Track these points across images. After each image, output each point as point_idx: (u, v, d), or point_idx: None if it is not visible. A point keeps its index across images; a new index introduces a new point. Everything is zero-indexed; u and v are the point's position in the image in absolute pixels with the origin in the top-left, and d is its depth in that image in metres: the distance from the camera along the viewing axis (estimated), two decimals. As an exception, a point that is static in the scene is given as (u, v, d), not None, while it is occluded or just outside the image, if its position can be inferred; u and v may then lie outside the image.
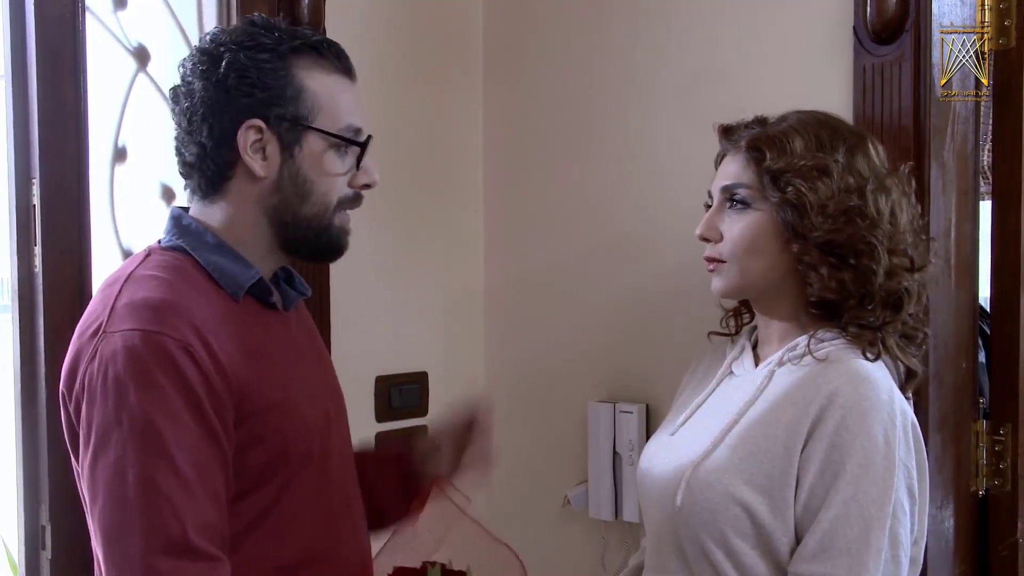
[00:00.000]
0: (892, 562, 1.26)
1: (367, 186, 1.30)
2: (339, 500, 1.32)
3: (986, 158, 1.71)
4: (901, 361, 1.34)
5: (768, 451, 1.28)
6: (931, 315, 1.55)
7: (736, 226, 1.36)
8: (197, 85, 1.22)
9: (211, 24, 1.78)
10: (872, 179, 1.33)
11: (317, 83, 1.24)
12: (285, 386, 1.23)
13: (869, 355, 1.32)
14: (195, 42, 1.78)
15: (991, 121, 1.66)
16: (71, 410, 1.16)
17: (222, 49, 1.22)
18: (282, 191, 1.24)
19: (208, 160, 1.24)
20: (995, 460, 1.65)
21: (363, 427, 1.94)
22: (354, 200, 1.30)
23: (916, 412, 1.46)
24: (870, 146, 1.37)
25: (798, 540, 1.27)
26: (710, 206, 1.42)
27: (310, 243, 1.28)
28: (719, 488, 1.29)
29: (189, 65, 1.24)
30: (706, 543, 1.30)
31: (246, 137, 1.21)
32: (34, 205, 1.53)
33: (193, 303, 1.17)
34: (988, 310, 1.72)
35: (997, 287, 1.66)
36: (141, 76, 1.73)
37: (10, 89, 1.53)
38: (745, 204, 1.36)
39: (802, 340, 1.36)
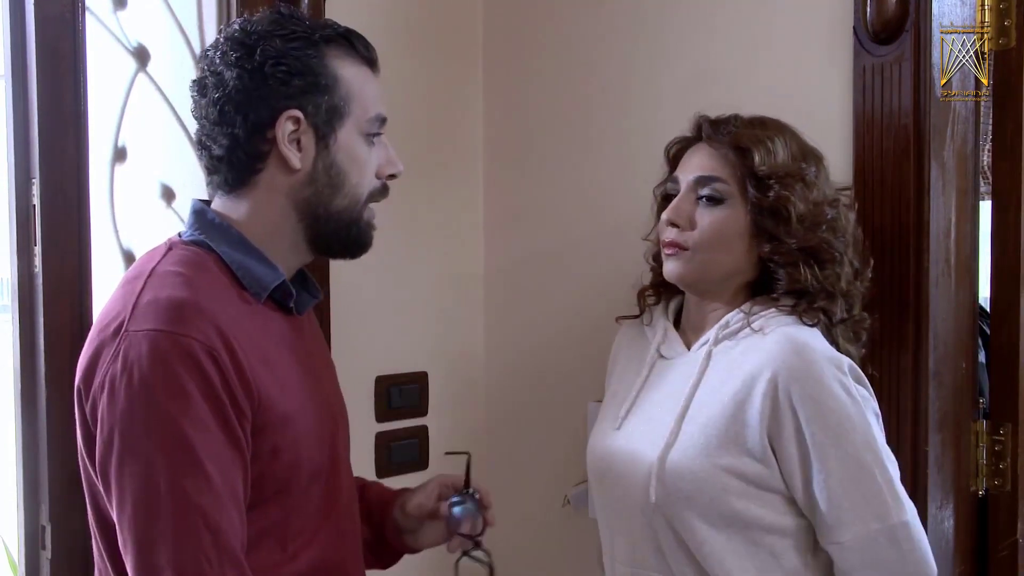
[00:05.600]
0: (891, 466, 1.33)
1: (392, 176, 1.30)
2: (345, 511, 1.31)
3: (986, 158, 1.71)
4: (847, 353, 1.38)
5: (728, 430, 1.32)
6: (931, 315, 1.56)
7: (707, 218, 1.39)
8: (230, 74, 1.19)
9: (211, 24, 1.78)
10: (839, 195, 1.42)
11: (349, 73, 1.24)
12: (300, 396, 1.22)
13: (807, 320, 1.36)
14: (195, 42, 1.79)
15: (991, 121, 1.65)
16: (87, 408, 1.15)
17: (255, 37, 1.20)
18: (315, 183, 1.23)
19: (239, 152, 1.21)
20: (995, 460, 1.65)
21: (363, 427, 1.95)
22: (382, 191, 1.29)
23: (915, 412, 1.55)
24: (825, 165, 1.44)
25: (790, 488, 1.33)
26: (670, 196, 1.44)
27: (340, 237, 1.27)
28: (695, 469, 1.32)
29: (217, 55, 1.21)
30: (681, 530, 1.33)
31: (283, 128, 1.20)
32: (34, 205, 1.52)
33: (217, 303, 1.15)
34: (988, 310, 1.72)
35: (997, 287, 1.66)
36: (141, 76, 1.73)
37: (10, 89, 1.53)
38: (718, 199, 1.38)
39: (732, 316, 1.40)
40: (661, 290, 1.54)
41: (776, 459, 1.32)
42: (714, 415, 1.33)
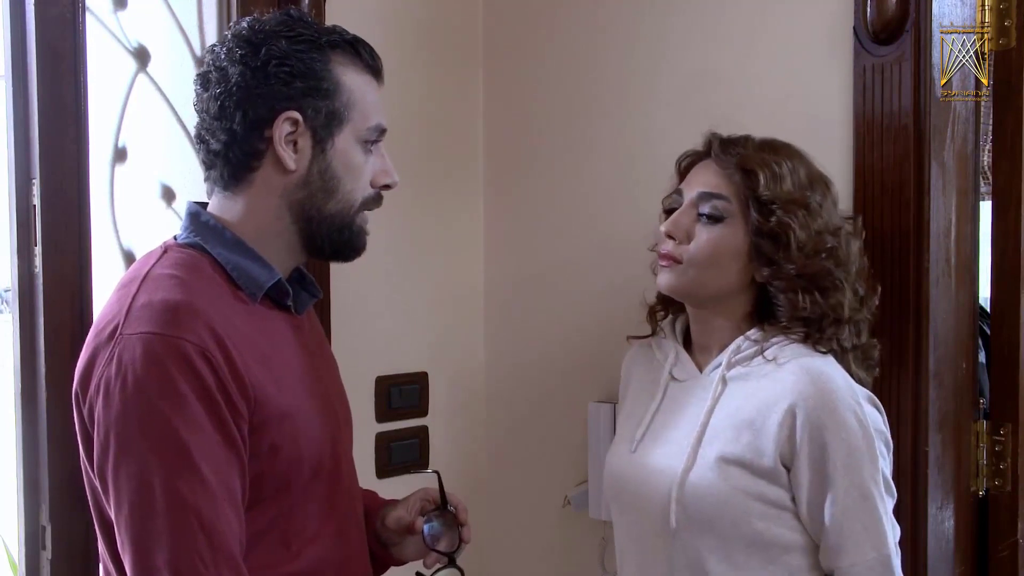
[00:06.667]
0: (889, 498, 1.35)
1: (387, 186, 1.30)
2: (348, 508, 1.32)
3: (986, 158, 1.71)
4: (854, 377, 1.38)
5: (744, 455, 1.33)
6: (931, 315, 1.56)
7: (704, 235, 1.39)
8: (233, 70, 1.20)
9: (211, 24, 1.79)
10: (843, 224, 1.41)
11: (352, 80, 1.25)
12: (298, 393, 1.23)
13: (820, 348, 1.37)
14: (195, 42, 1.79)
15: (991, 121, 1.65)
16: (85, 412, 1.15)
17: (262, 36, 1.21)
18: (309, 186, 1.24)
19: (236, 148, 1.22)
20: (995, 460, 1.65)
21: (363, 427, 1.95)
22: (376, 200, 1.30)
23: (915, 412, 1.54)
24: (832, 191, 1.43)
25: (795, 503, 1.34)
26: (673, 210, 1.43)
27: (332, 240, 1.27)
28: (716, 492, 1.32)
29: (223, 51, 1.22)
30: (702, 552, 1.33)
31: (281, 129, 1.21)
32: (34, 205, 1.53)
33: (211, 305, 1.16)
34: (988, 310, 1.72)
35: (997, 287, 1.66)
36: (141, 76, 1.74)
37: (10, 89, 1.53)
38: (718, 217, 1.38)
39: (743, 341, 1.40)
40: (669, 305, 1.54)
41: (789, 481, 1.33)
42: (730, 440, 1.34)
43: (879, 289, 1.47)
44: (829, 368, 1.35)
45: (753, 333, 1.40)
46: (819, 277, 1.36)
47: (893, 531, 1.34)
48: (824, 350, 1.37)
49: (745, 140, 1.42)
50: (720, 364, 1.40)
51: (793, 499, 1.33)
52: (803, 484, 1.31)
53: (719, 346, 1.43)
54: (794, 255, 1.35)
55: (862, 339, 1.41)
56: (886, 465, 1.35)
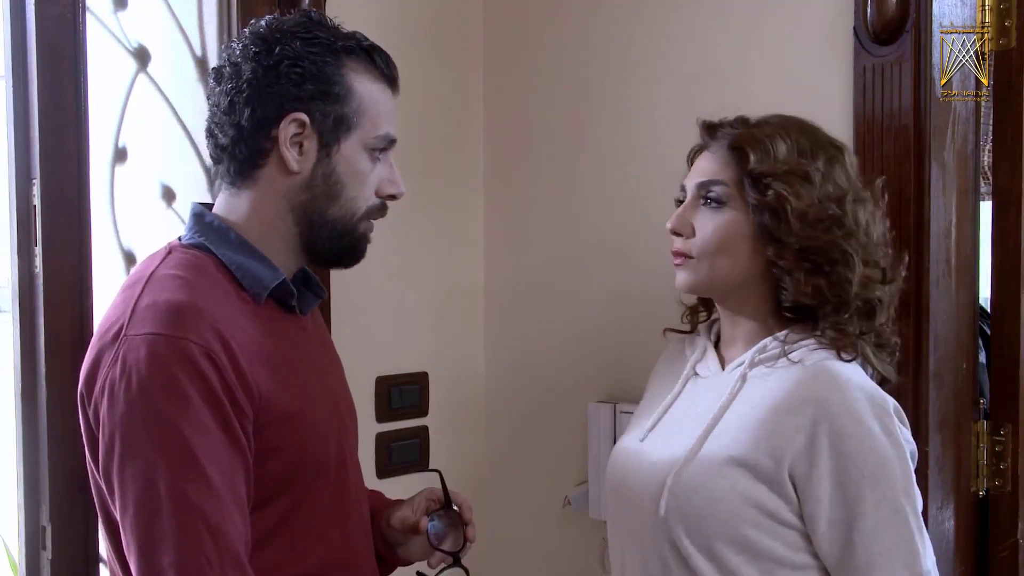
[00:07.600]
0: (919, 512, 1.28)
1: (392, 196, 1.30)
2: (354, 508, 1.32)
3: (986, 158, 1.71)
4: (876, 369, 1.34)
5: (750, 455, 1.27)
6: (931, 315, 1.56)
7: (709, 224, 1.36)
8: (246, 67, 1.21)
9: (211, 24, 1.79)
10: (851, 190, 1.34)
11: (364, 88, 1.25)
12: (302, 394, 1.23)
13: (845, 356, 1.31)
14: (195, 42, 1.79)
15: (991, 121, 1.66)
16: (90, 413, 1.15)
17: (278, 36, 1.22)
18: (313, 189, 1.24)
19: (242, 144, 1.22)
20: (995, 461, 1.65)
21: (364, 427, 1.93)
22: (380, 209, 1.30)
23: (915, 412, 1.52)
24: (847, 158, 1.38)
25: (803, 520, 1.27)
26: (681, 201, 1.41)
27: (333, 245, 1.27)
28: (712, 488, 1.28)
29: (239, 47, 1.23)
30: (689, 548, 1.28)
31: (287, 130, 1.21)
32: (34, 205, 1.53)
33: (215, 305, 1.16)
34: (988, 310, 1.72)
35: (997, 287, 1.66)
36: (141, 76, 1.74)
37: (10, 89, 1.53)
38: (720, 203, 1.35)
39: (770, 341, 1.35)
40: (710, 306, 1.50)
41: (797, 495, 1.27)
42: (740, 438, 1.29)
43: (906, 258, 1.41)
44: (857, 376, 1.29)
45: (782, 335, 1.35)
46: (826, 250, 1.31)
47: (926, 550, 1.25)
48: (849, 358, 1.31)
49: (734, 121, 1.39)
50: (743, 362, 1.36)
51: (801, 516, 1.26)
52: (822, 498, 1.25)
53: (745, 343, 1.39)
54: (794, 226, 1.30)
55: (876, 322, 1.35)
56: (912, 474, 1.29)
